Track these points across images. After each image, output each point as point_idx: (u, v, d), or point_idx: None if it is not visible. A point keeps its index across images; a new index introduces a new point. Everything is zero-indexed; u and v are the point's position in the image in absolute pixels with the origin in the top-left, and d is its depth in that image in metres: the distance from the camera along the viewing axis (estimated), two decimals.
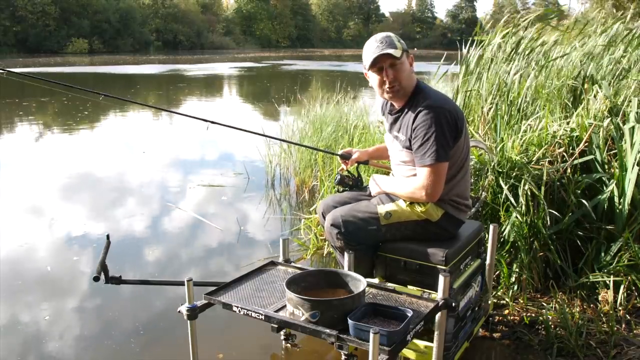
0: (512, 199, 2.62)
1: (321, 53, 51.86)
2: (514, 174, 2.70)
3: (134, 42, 48.47)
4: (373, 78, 2.02)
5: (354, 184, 2.34)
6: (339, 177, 2.34)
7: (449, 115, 1.90)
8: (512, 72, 3.46)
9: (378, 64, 1.95)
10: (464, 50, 3.83)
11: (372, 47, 1.95)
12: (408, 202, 2.03)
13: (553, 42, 3.94)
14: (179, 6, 55.36)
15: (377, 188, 2.17)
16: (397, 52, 1.92)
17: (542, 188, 2.59)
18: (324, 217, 2.21)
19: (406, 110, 2.00)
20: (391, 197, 2.10)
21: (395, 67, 1.95)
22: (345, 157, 2.40)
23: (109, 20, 45.77)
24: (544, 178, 2.62)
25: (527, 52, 3.72)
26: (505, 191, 2.61)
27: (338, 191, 2.37)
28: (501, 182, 2.68)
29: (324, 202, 2.32)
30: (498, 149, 2.85)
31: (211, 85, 18.04)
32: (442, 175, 1.91)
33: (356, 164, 2.41)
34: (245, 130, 2.88)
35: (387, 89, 1.99)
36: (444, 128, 1.89)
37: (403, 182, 2.08)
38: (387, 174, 2.37)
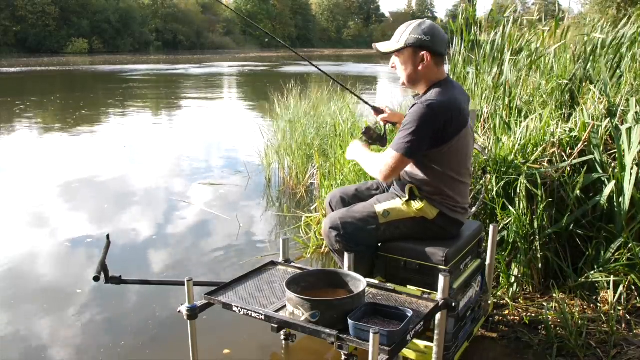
0: (510, 199, 2.62)
1: (321, 53, 51.86)
2: (512, 173, 2.70)
3: (134, 42, 48.44)
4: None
5: (376, 138, 2.32)
6: (367, 127, 2.32)
7: (439, 118, 1.88)
8: (508, 71, 3.46)
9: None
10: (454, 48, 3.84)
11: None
12: (404, 200, 2.04)
13: (543, 41, 3.95)
14: (179, 6, 55.34)
15: (352, 155, 2.24)
16: (387, 48, 2.01)
17: (541, 188, 2.60)
18: (332, 207, 2.29)
19: (412, 104, 2.00)
20: (388, 196, 2.12)
21: (397, 59, 2.02)
22: (378, 111, 2.42)
23: (109, 20, 45.72)
24: (542, 178, 2.62)
25: (522, 52, 3.72)
26: (500, 190, 2.61)
27: (361, 140, 2.33)
28: (499, 181, 2.69)
29: (331, 193, 2.37)
30: (494, 148, 2.85)
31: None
32: (399, 166, 1.96)
33: (385, 123, 2.41)
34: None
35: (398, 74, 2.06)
36: (424, 128, 1.88)
37: (372, 156, 2.12)
38: None
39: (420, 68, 1.98)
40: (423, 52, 1.96)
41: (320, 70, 2.73)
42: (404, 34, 1.97)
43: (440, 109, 1.89)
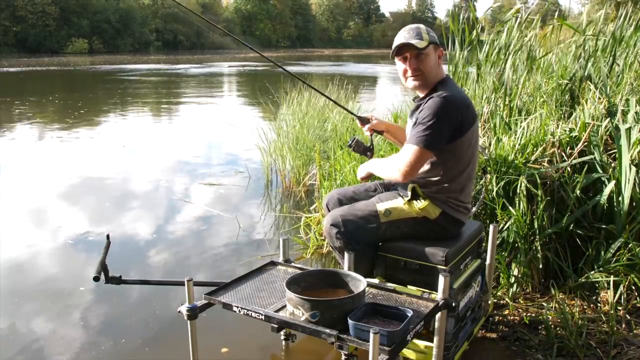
0: (510, 199, 2.62)
1: (321, 53, 51.85)
2: (512, 173, 2.70)
3: (134, 42, 48.43)
4: (399, 66, 2.08)
5: (364, 150, 2.34)
6: (353, 139, 2.34)
7: (456, 110, 1.92)
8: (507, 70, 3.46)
9: (402, 54, 2.03)
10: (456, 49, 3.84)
11: (400, 37, 2.02)
12: (406, 200, 2.04)
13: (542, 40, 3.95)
14: (179, 6, 55.28)
15: (364, 170, 2.22)
16: (420, 44, 1.97)
17: (541, 188, 2.59)
18: (329, 209, 2.28)
19: (427, 99, 2.01)
20: (390, 195, 2.11)
21: (420, 57, 2.00)
22: (364, 121, 2.42)
23: (109, 20, 45.71)
24: (542, 178, 2.62)
25: (520, 51, 3.71)
26: (500, 190, 2.61)
27: (349, 152, 2.35)
28: (499, 181, 2.69)
29: (329, 194, 2.37)
30: (494, 148, 2.85)
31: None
32: (421, 161, 1.94)
33: (372, 133, 2.42)
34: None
35: (411, 78, 2.04)
36: (444, 119, 1.90)
37: (385, 159, 2.12)
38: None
39: (439, 65, 2.04)
40: (440, 49, 2.04)
41: (290, 73, 2.77)
42: (424, 33, 1.99)
43: (456, 101, 1.93)
